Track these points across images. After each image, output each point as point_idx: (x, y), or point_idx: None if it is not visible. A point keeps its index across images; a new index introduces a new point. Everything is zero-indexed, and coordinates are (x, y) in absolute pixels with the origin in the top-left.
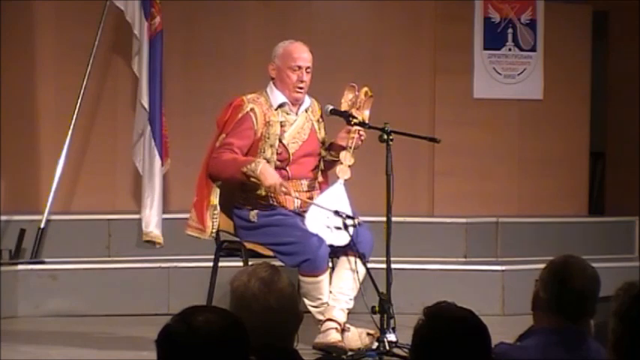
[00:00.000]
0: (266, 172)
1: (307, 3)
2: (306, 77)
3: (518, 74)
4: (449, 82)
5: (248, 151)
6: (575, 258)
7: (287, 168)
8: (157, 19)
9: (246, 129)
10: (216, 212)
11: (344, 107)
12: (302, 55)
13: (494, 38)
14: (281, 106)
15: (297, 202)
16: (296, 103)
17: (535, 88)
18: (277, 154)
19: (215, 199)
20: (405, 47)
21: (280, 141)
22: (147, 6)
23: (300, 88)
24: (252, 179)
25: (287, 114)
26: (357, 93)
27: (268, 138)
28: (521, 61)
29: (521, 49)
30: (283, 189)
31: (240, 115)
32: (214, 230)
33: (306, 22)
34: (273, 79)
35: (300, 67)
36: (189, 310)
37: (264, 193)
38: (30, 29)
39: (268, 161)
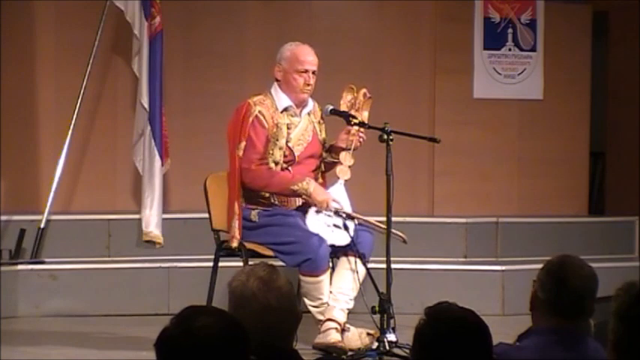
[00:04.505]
0: (318, 190)
1: (307, 3)
2: (312, 80)
3: (518, 74)
4: (449, 82)
5: None
6: (572, 257)
7: (290, 169)
8: (157, 19)
9: (262, 133)
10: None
11: (342, 109)
12: (308, 58)
13: (494, 38)
14: (286, 109)
15: (299, 202)
16: (300, 105)
17: (535, 88)
18: (284, 156)
19: (239, 207)
20: (405, 47)
21: (286, 143)
22: (147, 6)
23: (306, 91)
24: (304, 196)
25: (292, 116)
26: (355, 94)
27: (277, 140)
28: (521, 61)
29: (521, 49)
30: (335, 205)
31: (251, 119)
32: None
33: (306, 22)
34: (278, 80)
35: (306, 71)
36: (187, 312)
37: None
38: (30, 29)
39: (276, 163)
